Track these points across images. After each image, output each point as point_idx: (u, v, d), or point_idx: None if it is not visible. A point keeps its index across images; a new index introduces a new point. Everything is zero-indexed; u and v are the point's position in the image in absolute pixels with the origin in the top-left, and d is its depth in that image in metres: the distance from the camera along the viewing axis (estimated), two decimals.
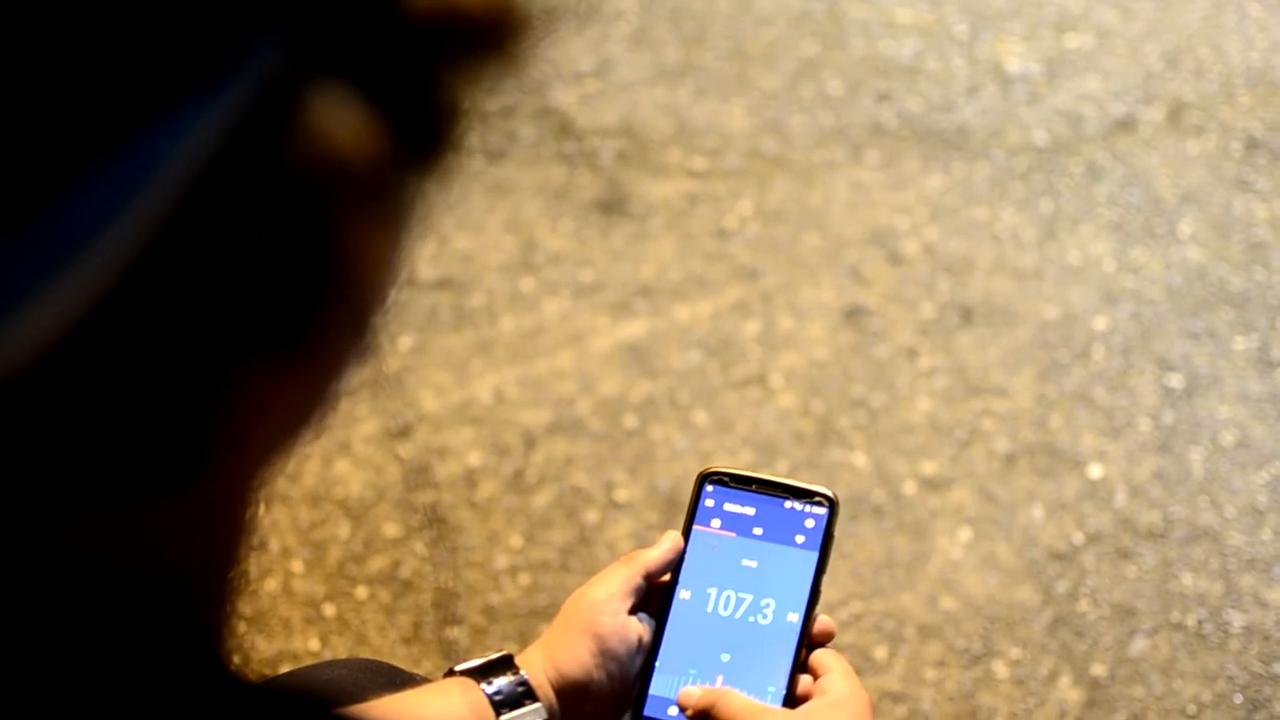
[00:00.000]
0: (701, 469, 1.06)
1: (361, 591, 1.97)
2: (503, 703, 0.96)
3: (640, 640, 1.00)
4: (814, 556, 1.03)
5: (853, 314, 2.34)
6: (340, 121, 0.41)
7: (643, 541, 2.01)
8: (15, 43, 0.37)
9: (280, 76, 0.40)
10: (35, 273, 0.38)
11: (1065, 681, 1.90)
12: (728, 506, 1.05)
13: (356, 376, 0.48)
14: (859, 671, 1.02)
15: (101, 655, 0.44)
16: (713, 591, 1.03)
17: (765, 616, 1.02)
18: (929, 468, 2.12)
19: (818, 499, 1.04)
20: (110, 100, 0.38)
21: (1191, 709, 1.87)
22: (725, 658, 1.01)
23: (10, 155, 0.37)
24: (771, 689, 1.00)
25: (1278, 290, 2.41)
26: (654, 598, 1.02)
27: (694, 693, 0.99)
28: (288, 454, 0.48)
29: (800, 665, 1.00)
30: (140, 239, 0.39)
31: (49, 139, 0.37)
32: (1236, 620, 1.95)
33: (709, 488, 1.05)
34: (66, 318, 0.38)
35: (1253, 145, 2.68)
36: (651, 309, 2.35)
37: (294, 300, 0.42)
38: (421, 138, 0.44)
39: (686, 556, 1.03)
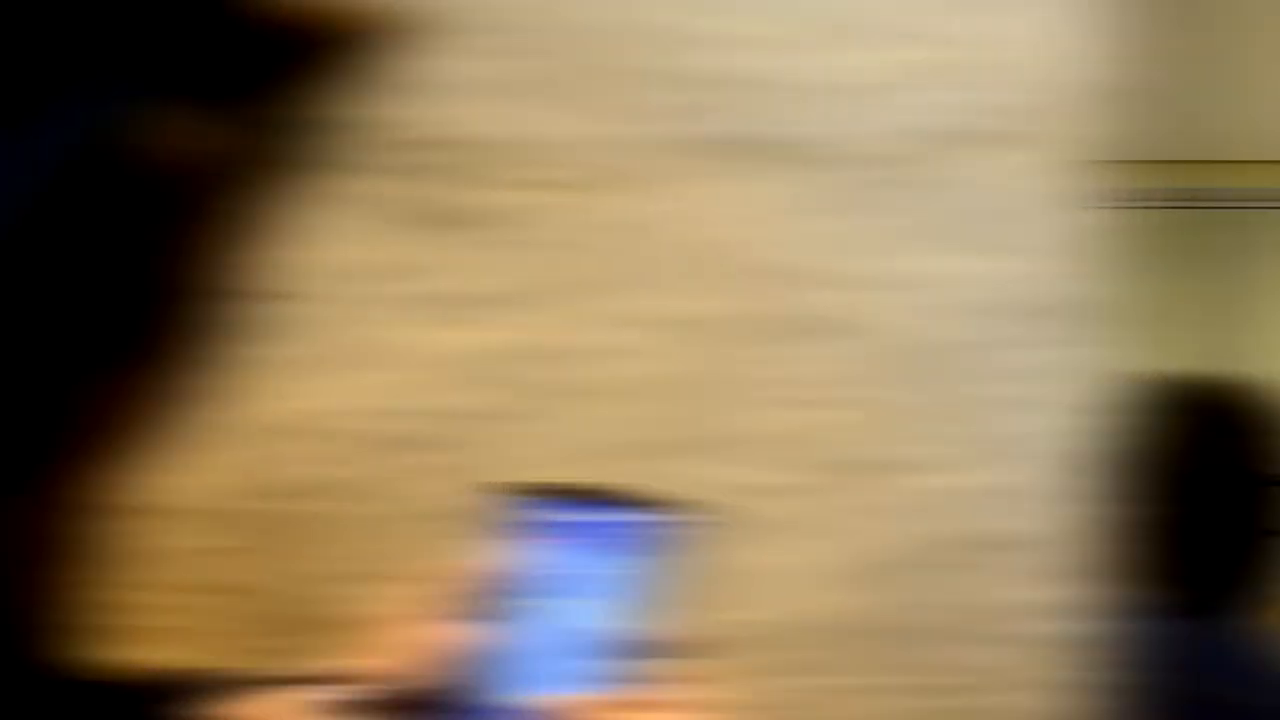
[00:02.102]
0: (533, 479, 1.06)
1: (191, 601, 1.94)
2: (336, 712, 0.95)
3: (463, 656, 0.99)
4: (650, 566, 1.03)
5: (691, 325, 2.35)
6: (182, 131, 0.41)
7: (464, 552, 2.00)
8: None
9: (121, 88, 0.40)
10: None
11: (901, 693, 1.92)
12: (559, 517, 1.05)
13: (194, 386, 0.47)
14: (694, 685, 1.02)
15: None
16: (547, 603, 1.02)
17: (601, 628, 1.02)
18: (766, 478, 2.13)
19: (654, 508, 1.04)
20: None
21: None
22: (563, 669, 1.01)
23: None
24: (608, 701, 0.99)
25: (1111, 302, 2.47)
26: (492, 609, 1.02)
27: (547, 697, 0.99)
28: (125, 462, 0.48)
29: (637, 678, 1.00)
30: None
31: None
32: (1071, 629, 1.99)
33: (539, 498, 1.05)
34: None
35: (1084, 159, 2.73)
36: (488, 320, 2.35)
37: (131, 306, 0.42)
38: (261, 148, 0.44)
39: (518, 568, 1.03)
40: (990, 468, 2.17)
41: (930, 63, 2.99)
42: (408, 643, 0.99)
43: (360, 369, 2.25)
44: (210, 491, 2.06)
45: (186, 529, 2.02)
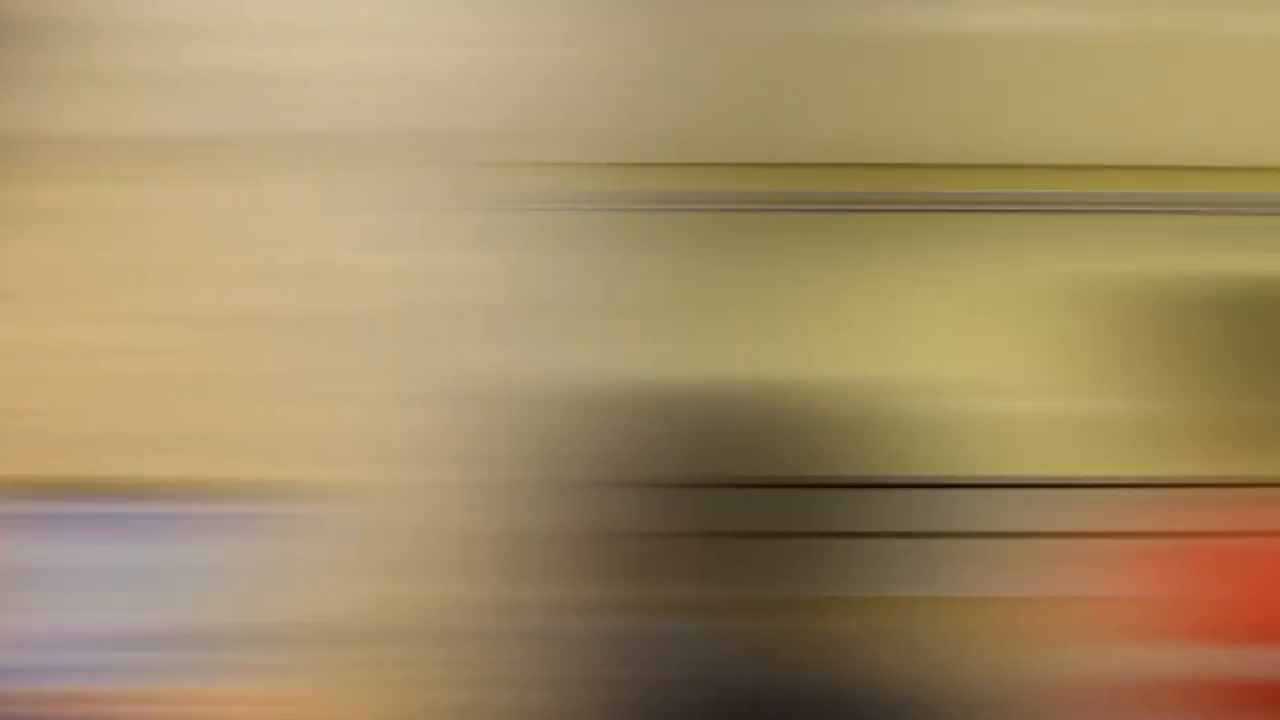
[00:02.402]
0: (53, 473, 1.04)
1: None
2: None
3: None
4: (170, 559, 1.04)
5: (223, 322, 2.36)
6: None
7: None
8: None
9: None
10: None
11: (409, 686, 1.96)
12: (78, 510, 1.04)
13: None
14: (209, 677, 1.03)
15: None
16: (57, 595, 1.02)
17: (115, 620, 1.02)
18: (315, 471, 2.19)
19: (175, 501, 1.06)
20: None
21: None
22: (72, 661, 1.00)
23: None
24: (115, 693, 0.99)
25: (599, 302, 2.52)
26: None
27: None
28: None
29: (151, 670, 1.00)
30: None
31: None
32: (558, 627, 2.04)
33: (58, 492, 1.04)
34: None
35: (568, 161, 2.79)
36: (11, 316, 2.28)
37: None
38: None
39: (27, 561, 1.01)
40: (464, 464, 2.24)
41: (413, 63, 2.92)
42: None
43: None
44: None
45: None
